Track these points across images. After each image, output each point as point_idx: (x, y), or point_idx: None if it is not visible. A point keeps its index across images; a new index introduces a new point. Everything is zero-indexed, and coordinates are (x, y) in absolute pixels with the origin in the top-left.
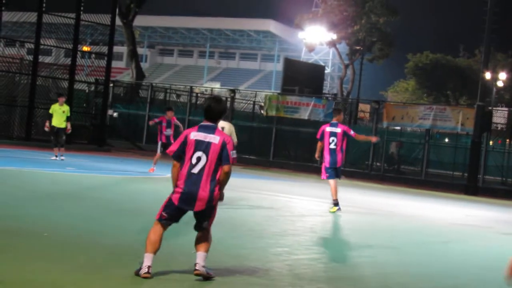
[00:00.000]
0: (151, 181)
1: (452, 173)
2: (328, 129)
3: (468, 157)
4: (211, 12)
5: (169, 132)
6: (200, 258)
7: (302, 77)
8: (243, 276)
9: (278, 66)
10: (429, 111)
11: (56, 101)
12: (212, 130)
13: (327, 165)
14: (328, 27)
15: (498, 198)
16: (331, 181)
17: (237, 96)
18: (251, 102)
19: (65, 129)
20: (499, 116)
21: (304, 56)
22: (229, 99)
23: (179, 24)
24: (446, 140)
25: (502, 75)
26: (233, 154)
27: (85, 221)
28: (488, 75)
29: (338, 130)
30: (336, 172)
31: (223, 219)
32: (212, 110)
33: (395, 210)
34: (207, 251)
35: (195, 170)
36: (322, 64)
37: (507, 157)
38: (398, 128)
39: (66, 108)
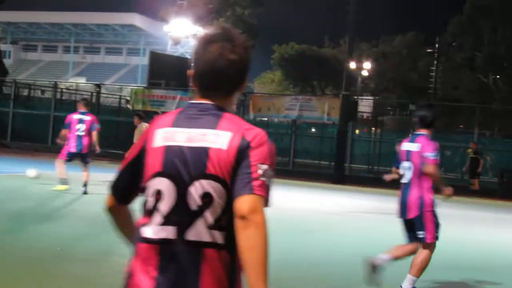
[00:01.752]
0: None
1: (319, 162)
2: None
3: (334, 146)
4: (75, 7)
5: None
6: None
7: (169, 70)
8: None
9: (144, 60)
10: (295, 101)
11: None
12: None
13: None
14: (194, 20)
15: (364, 186)
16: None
17: (103, 90)
18: (117, 97)
19: None
20: (365, 105)
21: (170, 50)
22: (94, 93)
23: (43, 19)
24: (313, 130)
25: (367, 65)
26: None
27: None
28: (352, 65)
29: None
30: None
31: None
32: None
33: None
34: None
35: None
36: (189, 57)
37: (373, 146)
38: (265, 119)
39: None
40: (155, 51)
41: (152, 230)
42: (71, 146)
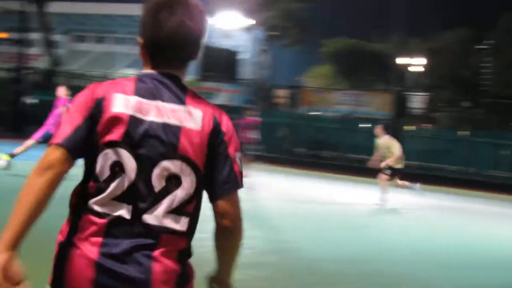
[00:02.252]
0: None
1: (369, 157)
2: None
3: None
4: None
5: None
6: None
7: (218, 63)
8: None
9: None
10: (346, 96)
11: None
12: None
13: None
14: (243, 13)
15: (416, 183)
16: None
17: None
18: None
19: None
20: (417, 101)
21: (219, 42)
22: None
23: (94, 10)
24: (364, 125)
25: (418, 60)
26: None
27: None
28: (403, 60)
29: None
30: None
31: None
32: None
33: (314, 195)
34: None
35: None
36: (238, 50)
37: (426, 142)
38: (318, 113)
39: None
40: (208, 44)
41: (102, 204)
42: None
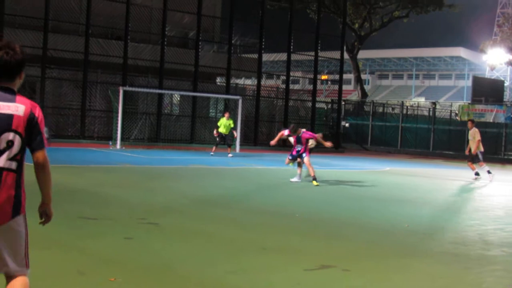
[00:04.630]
0: (378, 173)
1: None
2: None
3: None
4: (415, 44)
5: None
6: None
7: (487, 89)
8: (443, 243)
9: (468, 83)
10: None
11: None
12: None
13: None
14: (506, 50)
15: None
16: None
17: (438, 107)
18: (448, 111)
19: (231, 135)
20: None
21: (488, 74)
22: (431, 109)
23: (392, 54)
24: None
25: None
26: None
27: (333, 206)
28: None
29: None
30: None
31: (428, 200)
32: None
33: None
34: None
35: None
36: (502, 79)
37: None
38: None
39: (231, 121)
40: (477, 75)
41: None
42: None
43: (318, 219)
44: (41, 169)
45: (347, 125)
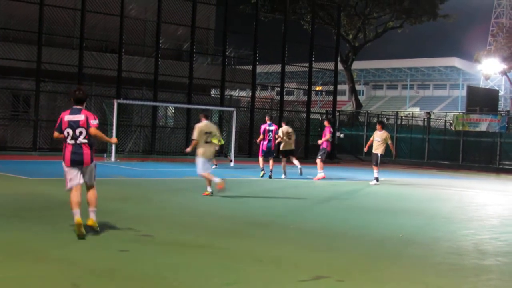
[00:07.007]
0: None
1: None
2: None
3: None
4: (409, 55)
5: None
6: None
7: (481, 99)
8: (437, 253)
9: (463, 92)
10: None
11: None
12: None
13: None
14: (500, 60)
15: None
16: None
17: (432, 116)
18: (443, 121)
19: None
20: None
21: (482, 83)
22: (426, 119)
23: (386, 65)
24: None
25: None
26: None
27: (328, 217)
28: None
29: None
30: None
31: (423, 210)
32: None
33: None
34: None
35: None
36: (497, 88)
37: None
38: None
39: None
40: (471, 85)
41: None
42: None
43: (313, 230)
44: (94, 136)
45: (341, 135)
